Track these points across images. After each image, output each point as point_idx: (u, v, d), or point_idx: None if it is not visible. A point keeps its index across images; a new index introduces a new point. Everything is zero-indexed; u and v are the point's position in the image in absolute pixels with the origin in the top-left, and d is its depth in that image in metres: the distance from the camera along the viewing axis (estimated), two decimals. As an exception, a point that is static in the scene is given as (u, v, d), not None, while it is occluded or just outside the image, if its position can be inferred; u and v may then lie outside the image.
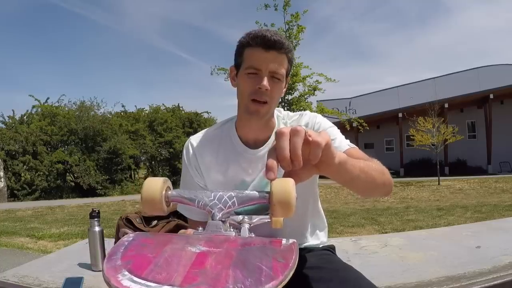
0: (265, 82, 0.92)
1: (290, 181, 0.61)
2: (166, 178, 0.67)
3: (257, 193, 0.64)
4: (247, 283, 0.44)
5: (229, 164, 1.04)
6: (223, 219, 0.63)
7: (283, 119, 1.08)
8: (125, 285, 0.44)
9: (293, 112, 1.14)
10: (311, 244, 1.14)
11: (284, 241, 0.55)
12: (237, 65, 1.00)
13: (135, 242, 0.54)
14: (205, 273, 0.45)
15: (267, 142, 1.04)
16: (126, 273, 0.46)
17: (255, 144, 1.04)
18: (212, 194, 0.65)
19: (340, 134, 1.05)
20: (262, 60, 0.93)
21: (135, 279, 0.45)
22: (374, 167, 0.84)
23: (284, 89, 1.02)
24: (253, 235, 0.68)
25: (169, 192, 0.67)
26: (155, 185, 0.64)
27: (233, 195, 0.64)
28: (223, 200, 0.64)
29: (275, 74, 0.94)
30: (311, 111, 1.12)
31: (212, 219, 0.62)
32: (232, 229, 0.62)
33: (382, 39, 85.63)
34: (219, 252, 0.50)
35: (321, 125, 1.05)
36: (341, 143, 0.99)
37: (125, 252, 0.51)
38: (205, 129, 1.13)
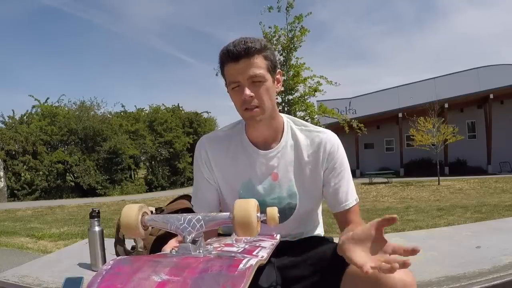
0: (247, 91, 0.96)
1: (251, 202, 0.67)
2: (143, 204, 0.74)
3: (221, 214, 0.71)
4: None
5: (238, 161, 1.08)
6: (196, 238, 0.69)
7: (296, 125, 1.10)
8: None
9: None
10: (317, 234, 1.20)
11: (242, 264, 0.59)
12: (226, 83, 1.05)
13: (112, 271, 0.61)
14: None
15: (277, 146, 1.07)
16: None
17: (264, 145, 1.08)
18: (182, 217, 0.71)
19: (350, 175, 1.08)
20: (236, 72, 0.97)
21: None
22: None
23: (278, 84, 1.05)
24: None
25: (145, 217, 0.73)
26: (131, 212, 0.71)
27: (201, 218, 0.70)
28: (191, 223, 0.70)
29: (254, 78, 0.97)
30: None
31: (184, 242, 0.69)
32: (200, 251, 0.68)
33: (381, 41, 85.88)
34: (177, 281, 0.56)
35: (339, 160, 1.06)
36: (349, 195, 1.05)
37: (100, 283, 0.58)
38: (217, 129, 1.19)
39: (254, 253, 0.75)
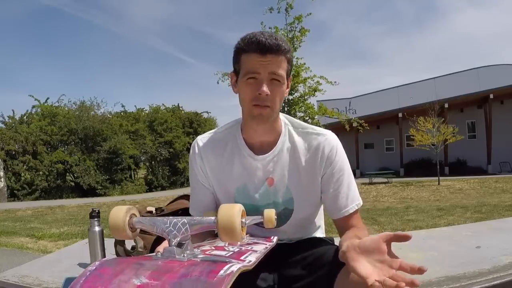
0: (265, 87, 0.91)
1: (236, 207, 0.66)
2: (131, 206, 0.75)
3: (206, 219, 0.70)
4: None
5: (233, 165, 1.05)
6: (183, 242, 0.69)
7: (294, 127, 1.06)
8: None
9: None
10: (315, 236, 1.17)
11: (222, 270, 0.59)
12: (236, 71, 0.99)
13: (96, 272, 0.62)
14: None
15: (273, 149, 1.03)
16: None
17: (260, 147, 1.04)
18: (168, 221, 0.71)
19: (353, 178, 1.04)
20: (259, 65, 0.92)
21: None
22: None
23: (287, 89, 1.01)
24: (245, 237, 0.72)
25: (133, 219, 0.74)
26: (119, 214, 0.73)
27: (186, 221, 0.70)
28: (177, 226, 0.70)
29: (275, 77, 0.93)
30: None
31: (169, 245, 0.69)
32: (185, 254, 0.68)
33: (381, 41, 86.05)
34: (155, 285, 0.57)
35: (338, 165, 1.02)
36: (349, 200, 1.01)
37: (83, 284, 0.59)
38: (212, 130, 1.13)
39: (243, 257, 0.73)
